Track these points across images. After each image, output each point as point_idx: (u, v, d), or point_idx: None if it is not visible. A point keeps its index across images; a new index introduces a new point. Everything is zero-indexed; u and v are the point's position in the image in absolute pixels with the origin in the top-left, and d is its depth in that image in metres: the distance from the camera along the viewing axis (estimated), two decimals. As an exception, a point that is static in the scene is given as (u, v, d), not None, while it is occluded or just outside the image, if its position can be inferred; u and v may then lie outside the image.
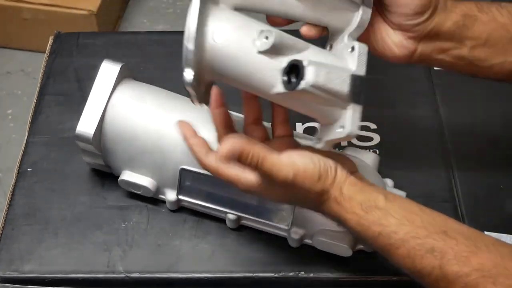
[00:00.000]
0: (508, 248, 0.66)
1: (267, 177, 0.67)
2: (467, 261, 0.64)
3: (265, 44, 0.65)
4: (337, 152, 0.74)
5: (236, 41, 0.66)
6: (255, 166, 0.67)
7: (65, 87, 1.00)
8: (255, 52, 0.66)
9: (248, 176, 0.69)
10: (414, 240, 0.66)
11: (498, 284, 0.63)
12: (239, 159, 0.66)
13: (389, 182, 0.85)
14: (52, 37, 1.07)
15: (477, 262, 0.64)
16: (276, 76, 0.66)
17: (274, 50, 0.66)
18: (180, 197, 0.83)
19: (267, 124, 0.78)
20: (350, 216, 0.68)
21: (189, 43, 0.66)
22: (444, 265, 0.65)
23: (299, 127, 0.92)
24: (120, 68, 0.83)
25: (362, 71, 0.68)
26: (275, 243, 0.83)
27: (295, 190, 0.69)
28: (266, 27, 0.67)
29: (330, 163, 0.69)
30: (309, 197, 0.69)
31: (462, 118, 0.96)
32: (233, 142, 0.66)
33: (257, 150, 0.67)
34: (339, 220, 0.70)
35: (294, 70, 0.65)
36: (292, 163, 0.68)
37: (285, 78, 0.66)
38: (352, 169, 0.72)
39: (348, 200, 0.69)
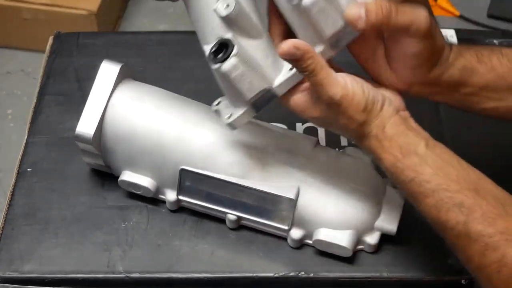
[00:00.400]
0: None
1: (317, 88, 0.68)
2: (493, 222, 0.64)
3: (222, 10, 0.68)
4: (386, 89, 0.74)
5: None
6: (311, 71, 0.67)
7: (65, 87, 1.00)
8: (211, 8, 0.69)
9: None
10: (444, 192, 0.66)
11: None
12: (301, 58, 0.66)
13: (389, 182, 0.85)
14: (52, 37, 1.07)
15: (503, 225, 0.64)
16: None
17: (227, 20, 0.68)
18: (180, 197, 0.83)
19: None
20: (387, 156, 0.69)
21: None
22: (469, 222, 0.65)
23: (299, 127, 0.92)
24: (120, 68, 0.83)
25: (281, 91, 0.71)
26: (275, 243, 0.83)
27: (338, 115, 0.69)
28: None
29: (379, 96, 0.70)
30: (349, 127, 0.70)
31: (462, 118, 0.96)
32: (300, 42, 0.67)
33: (319, 58, 0.67)
34: (374, 156, 0.71)
35: (223, 48, 0.68)
36: (344, 84, 0.68)
37: (213, 49, 0.69)
38: (400, 107, 0.72)
39: (388, 140, 0.69)
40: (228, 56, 0.68)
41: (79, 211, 0.86)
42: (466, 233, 0.65)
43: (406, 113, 0.72)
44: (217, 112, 0.76)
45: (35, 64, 1.95)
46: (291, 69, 0.71)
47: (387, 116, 0.70)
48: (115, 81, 0.82)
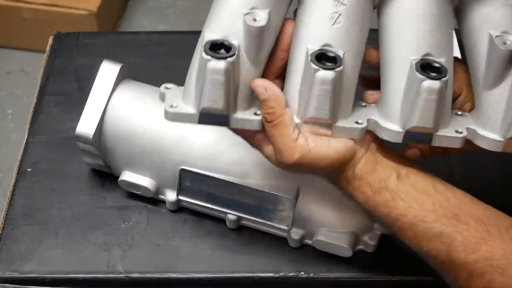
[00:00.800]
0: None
1: (272, 143, 0.66)
2: (476, 249, 0.63)
3: (254, 22, 0.65)
4: None
5: None
6: (268, 122, 0.65)
7: (65, 87, 1.00)
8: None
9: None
10: (422, 224, 0.65)
11: (506, 275, 0.61)
12: (262, 102, 0.65)
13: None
14: (52, 37, 1.07)
15: (486, 250, 0.62)
16: None
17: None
18: (180, 197, 0.83)
19: None
20: (358, 195, 0.68)
21: None
22: (451, 251, 0.63)
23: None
24: (120, 68, 0.83)
25: (232, 125, 0.68)
26: (275, 243, 0.83)
27: (301, 171, 0.69)
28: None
29: (350, 144, 0.67)
30: (316, 173, 0.69)
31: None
32: (267, 87, 0.65)
33: (281, 113, 0.65)
34: (346, 194, 0.70)
35: (224, 48, 0.65)
36: (300, 145, 0.65)
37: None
38: (371, 137, 0.69)
39: (358, 179, 0.67)
40: (228, 57, 0.65)
41: (79, 211, 0.86)
42: (450, 262, 0.64)
43: (376, 144, 0.69)
44: (162, 94, 0.71)
45: (35, 64, 1.95)
46: (256, 114, 0.68)
47: (358, 158, 0.68)
48: (115, 81, 0.82)
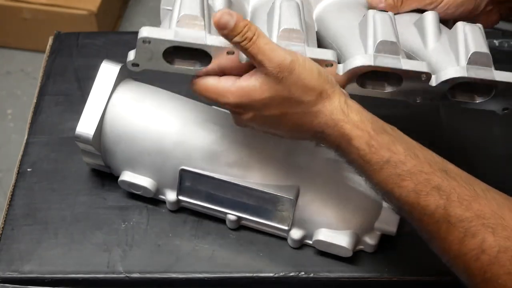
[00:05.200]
0: (501, 196, 0.64)
1: (259, 59, 0.62)
2: (469, 206, 0.62)
3: None
4: None
5: None
6: (250, 39, 0.62)
7: (65, 87, 1.00)
8: None
9: (242, 82, 0.65)
10: (421, 174, 0.63)
11: (496, 235, 0.60)
12: (234, 28, 0.61)
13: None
14: (52, 37, 1.07)
15: (477, 208, 0.62)
16: None
17: None
18: (180, 197, 0.83)
19: None
20: (359, 133, 0.63)
21: None
22: (449, 206, 0.62)
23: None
24: (120, 69, 0.83)
25: (212, 52, 0.68)
26: (275, 243, 0.83)
27: (290, 88, 0.63)
28: None
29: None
30: (306, 100, 0.63)
31: (463, 117, 0.96)
32: (230, 12, 0.62)
33: (255, 26, 0.62)
34: (339, 140, 0.65)
35: None
36: (290, 51, 0.64)
37: None
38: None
39: (356, 113, 0.64)
40: None
41: (79, 211, 0.86)
42: (446, 218, 0.62)
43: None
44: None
45: (35, 64, 1.95)
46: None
47: (343, 93, 0.65)
48: (115, 81, 0.82)
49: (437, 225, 0.63)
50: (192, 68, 0.69)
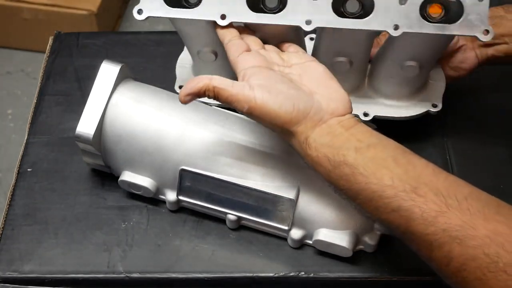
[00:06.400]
0: (482, 201, 0.65)
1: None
2: (434, 221, 0.64)
3: None
4: (336, 88, 0.74)
5: None
6: (215, 98, 0.72)
7: (65, 87, 1.00)
8: None
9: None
10: (381, 199, 0.66)
11: (464, 245, 0.62)
12: (198, 94, 0.73)
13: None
14: (52, 37, 1.07)
15: (444, 221, 0.63)
16: None
17: None
18: (180, 197, 0.83)
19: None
20: (318, 168, 0.70)
21: None
22: (410, 224, 0.65)
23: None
24: (120, 69, 0.83)
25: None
26: (275, 243, 0.83)
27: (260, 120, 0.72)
28: None
29: (302, 105, 0.70)
30: (273, 129, 0.73)
31: (463, 117, 0.96)
32: (189, 84, 0.73)
33: (214, 83, 0.72)
34: (308, 164, 0.72)
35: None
36: (251, 98, 0.70)
37: None
38: (338, 111, 0.72)
39: (314, 150, 0.69)
40: None
41: (79, 211, 0.86)
42: (410, 233, 0.66)
43: (337, 117, 0.71)
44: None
45: (35, 64, 1.96)
46: None
47: (310, 126, 0.70)
48: (115, 81, 0.82)
49: (404, 237, 0.67)
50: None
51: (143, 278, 0.81)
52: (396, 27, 0.76)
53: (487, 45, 0.88)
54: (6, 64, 1.99)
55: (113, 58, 0.84)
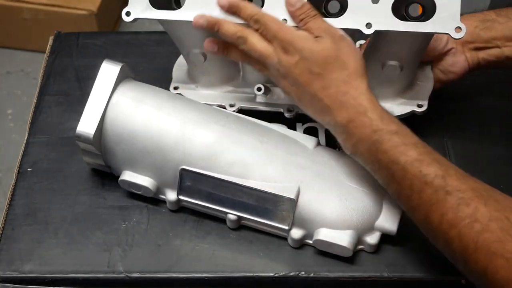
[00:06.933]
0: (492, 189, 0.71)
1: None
2: (465, 180, 0.70)
3: None
4: None
5: None
6: (312, 17, 0.78)
7: (65, 87, 1.00)
8: None
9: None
10: (424, 147, 0.72)
11: (488, 206, 0.67)
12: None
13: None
14: (52, 37, 1.07)
15: (472, 183, 0.70)
16: None
17: None
18: (181, 197, 0.83)
19: None
20: (374, 107, 0.74)
21: None
22: (447, 176, 0.70)
23: (299, 127, 0.92)
24: (120, 68, 0.83)
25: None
26: (275, 243, 0.83)
27: (341, 51, 0.76)
28: None
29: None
30: (347, 67, 0.75)
31: (463, 117, 0.96)
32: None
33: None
34: (354, 111, 0.74)
35: None
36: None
37: None
38: None
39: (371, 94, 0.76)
40: None
41: (79, 211, 0.86)
42: (443, 187, 0.69)
43: None
44: None
45: (35, 64, 1.96)
46: None
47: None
48: (116, 81, 0.82)
49: (436, 194, 0.70)
50: None
51: (143, 278, 0.81)
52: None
53: (478, 48, 0.88)
54: (6, 64, 1.99)
55: (113, 58, 0.84)
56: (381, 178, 0.75)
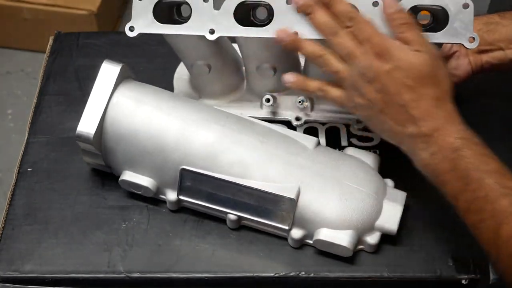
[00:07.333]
0: None
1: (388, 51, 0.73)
2: None
3: None
4: None
5: None
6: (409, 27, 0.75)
7: (65, 87, 1.00)
8: None
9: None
10: (503, 164, 0.72)
11: None
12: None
13: (389, 182, 0.85)
14: (52, 37, 1.07)
15: None
16: None
17: None
18: (181, 197, 0.83)
19: None
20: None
21: None
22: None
23: (299, 127, 0.92)
24: (121, 69, 0.83)
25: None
26: (275, 243, 0.83)
27: (438, 69, 0.74)
28: None
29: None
30: (441, 85, 0.74)
31: (463, 119, 0.96)
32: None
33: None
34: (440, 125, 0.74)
35: None
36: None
37: None
38: None
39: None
40: None
41: (79, 211, 0.86)
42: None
43: None
44: None
45: (35, 64, 1.96)
46: None
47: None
48: (116, 81, 0.82)
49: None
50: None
51: (143, 278, 0.81)
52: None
53: (481, 51, 0.88)
54: (6, 64, 1.99)
55: (113, 58, 0.84)
56: (453, 188, 0.72)
